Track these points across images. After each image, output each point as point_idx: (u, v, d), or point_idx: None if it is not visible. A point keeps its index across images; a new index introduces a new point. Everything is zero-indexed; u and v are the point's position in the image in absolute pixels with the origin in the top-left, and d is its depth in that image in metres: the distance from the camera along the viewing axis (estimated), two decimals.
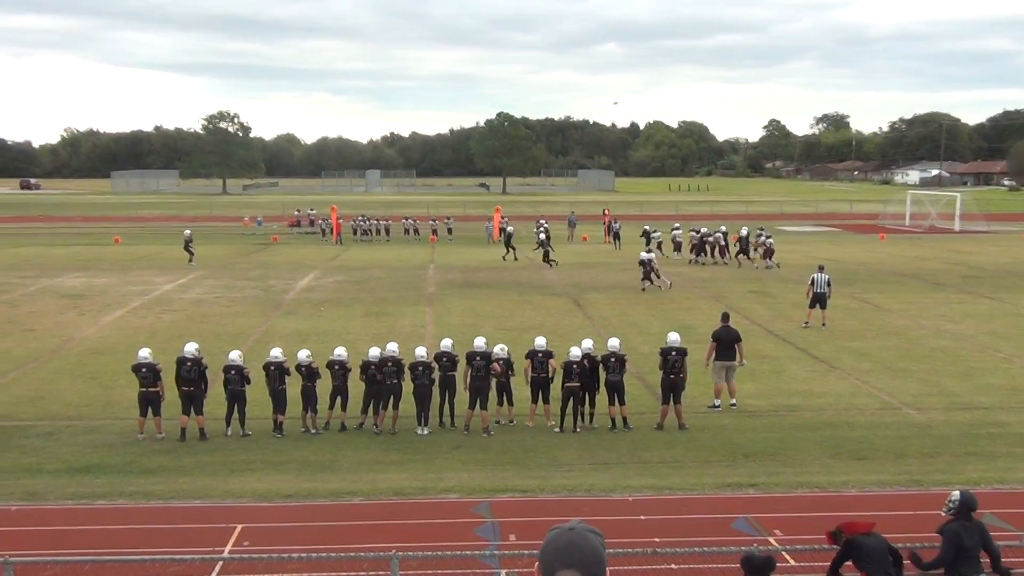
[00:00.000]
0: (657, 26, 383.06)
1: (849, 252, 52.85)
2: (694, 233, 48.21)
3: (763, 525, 13.94)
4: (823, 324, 28.80)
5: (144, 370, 18.07)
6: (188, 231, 48.98)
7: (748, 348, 22.14)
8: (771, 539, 13.32)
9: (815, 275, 29.24)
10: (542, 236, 47.99)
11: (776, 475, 16.19)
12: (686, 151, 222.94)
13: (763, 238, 45.97)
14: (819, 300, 28.94)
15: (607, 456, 17.25)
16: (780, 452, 17.45)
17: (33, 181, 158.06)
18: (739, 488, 15.57)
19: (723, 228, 48.91)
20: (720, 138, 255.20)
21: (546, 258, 46.15)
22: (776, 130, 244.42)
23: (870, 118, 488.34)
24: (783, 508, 14.72)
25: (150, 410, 18.08)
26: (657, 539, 13.08)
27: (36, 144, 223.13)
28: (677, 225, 52.68)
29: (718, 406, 20.14)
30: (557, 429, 18.68)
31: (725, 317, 21.34)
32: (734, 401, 20.25)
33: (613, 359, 18.67)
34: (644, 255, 38.27)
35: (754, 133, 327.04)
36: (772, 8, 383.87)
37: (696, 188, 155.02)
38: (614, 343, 19.19)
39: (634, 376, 21.61)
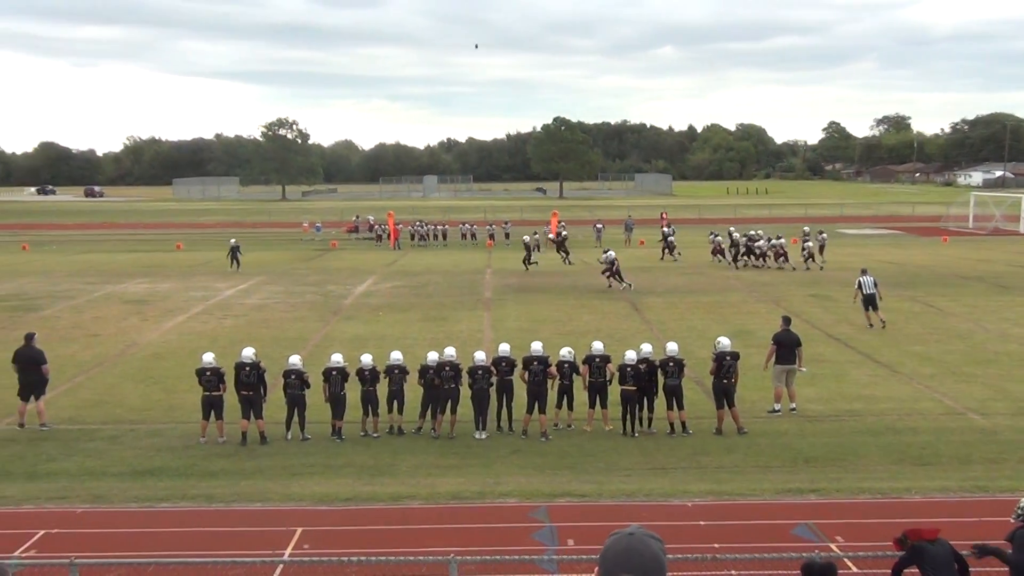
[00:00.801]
0: (714, 29, 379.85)
1: (911, 255, 52.06)
2: (713, 236, 49.41)
3: (824, 531, 13.76)
4: (881, 323, 28.69)
5: (208, 374, 18.35)
6: (234, 240, 49.72)
7: (808, 352, 21.89)
8: (832, 545, 13.14)
9: (861, 279, 29.52)
10: (524, 239, 48.00)
11: (838, 481, 15.97)
12: (744, 154, 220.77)
13: (809, 240, 46.07)
14: (870, 302, 28.94)
15: (666, 461, 17.15)
16: (841, 457, 17.21)
17: (97, 189, 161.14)
18: (800, 494, 15.40)
19: (760, 231, 48.81)
20: (779, 140, 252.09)
21: (526, 261, 46.70)
22: (836, 132, 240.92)
23: (932, 119, 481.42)
24: (845, 514, 14.52)
25: (212, 414, 18.35)
26: (717, 545, 12.98)
27: (100, 152, 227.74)
28: (716, 232, 52.49)
29: (778, 410, 19.92)
30: (621, 432, 18.63)
31: (786, 320, 21.13)
32: (794, 405, 20.03)
33: (672, 363, 18.58)
34: (611, 254, 39.48)
35: (813, 135, 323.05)
36: (831, 9, 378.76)
37: (755, 191, 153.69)
38: (672, 347, 19.10)
39: (693, 381, 21.46)
